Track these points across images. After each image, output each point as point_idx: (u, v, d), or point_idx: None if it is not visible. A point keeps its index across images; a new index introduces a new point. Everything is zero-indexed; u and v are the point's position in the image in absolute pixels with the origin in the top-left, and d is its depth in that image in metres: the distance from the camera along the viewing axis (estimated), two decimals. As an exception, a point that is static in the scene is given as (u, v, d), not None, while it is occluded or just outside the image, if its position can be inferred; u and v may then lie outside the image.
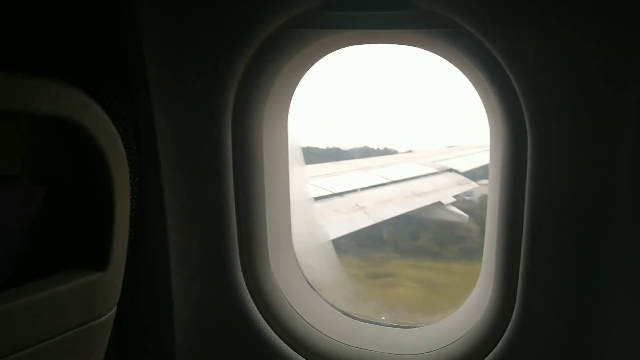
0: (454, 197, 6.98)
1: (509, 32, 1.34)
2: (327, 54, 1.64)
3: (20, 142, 1.16)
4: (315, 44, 1.54)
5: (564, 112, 1.36)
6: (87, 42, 1.35)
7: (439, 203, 6.65)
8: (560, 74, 1.34)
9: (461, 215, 6.61)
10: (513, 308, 1.52)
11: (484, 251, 1.72)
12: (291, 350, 1.69)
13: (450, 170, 7.71)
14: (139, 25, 1.39)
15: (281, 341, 1.69)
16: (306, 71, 1.68)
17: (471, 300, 1.77)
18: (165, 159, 1.55)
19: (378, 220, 5.99)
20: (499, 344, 1.55)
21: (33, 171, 1.19)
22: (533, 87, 1.35)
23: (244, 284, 1.67)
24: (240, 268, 1.66)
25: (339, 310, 1.87)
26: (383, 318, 1.90)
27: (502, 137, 1.47)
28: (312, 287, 1.88)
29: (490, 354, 1.57)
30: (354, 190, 6.27)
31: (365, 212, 5.94)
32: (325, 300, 1.87)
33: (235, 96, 1.52)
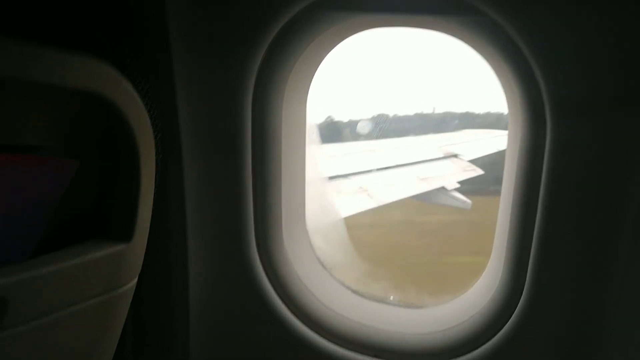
0: (458, 182, 7.00)
1: (531, 19, 1.34)
2: (349, 36, 1.65)
3: (54, 115, 1.19)
4: (339, 26, 1.55)
5: (585, 101, 1.37)
6: (116, 19, 1.37)
7: (443, 188, 6.67)
8: (584, 62, 1.35)
9: (464, 202, 6.64)
10: (522, 292, 1.56)
11: (496, 234, 1.75)
12: (301, 324, 1.73)
13: (456, 155, 7.71)
14: (165, 3, 1.41)
15: (292, 315, 1.73)
16: (328, 53, 1.69)
17: (480, 283, 1.81)
18: (185, 136, 1.57)
19: (381, 202, 6.02)
20: (505, 327, 1.59)
21: (65, 145, 1.22)
22: (555, 76, 1.36)
23: (258, 260, 1.71)
24: (255, 244, 1.70)
25: (348, 288, 1.91)
26: (391, 297, 1.94)
27: (521, 124, 1.49)
28: (323, 265, 1.92)
29: (495, 337, 1.61)
30: (359, 173, 6.29)
31: (369, 195, 5.96)
32: (335, 278, 1.91)
33: (257, 74, 1.54)
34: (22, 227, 1.15)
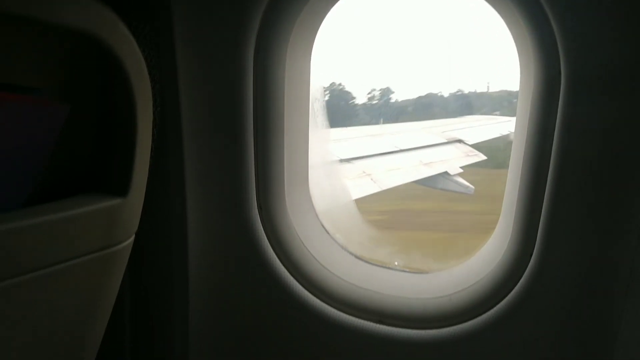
0: (461, 167, 6.98)
1: None
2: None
3: (46, 56, 1.14)
4: None
5: (602, 55, 1.32)
6: None
7: (446, 173, 6.66)
8: (602, 15, 1.30)
9: (467, 187, 6.62)
10: (531, 255, 1.52)
11: (505, 198, 1.70)
12: (303, 289, 1.70)
13: (459, 141, 7.69)
14: None
15: (293, 280, 1.70)
16: (331, 7, 1.64)
17: (487, 247, 1.77)
18: (185, 93, 1.53)
19: (384, 187, 6.01)
20: (513, 291, 1.55)
21: (57, 89, 1.18)
22: (571, 26, 1.31)
23: (260, 221, 1.67)
24: (256, 205, 1.66)
25: (352, 253, 1.87)
26: (396, 263, 1.90)
27: (534, 80, 1.44)
28: (326, 230, 1.88)
29: (503, 301, 1.57)
30: (362, 157, 6.28)
31: (372, 179, 5.94)
32: (338, 243, 1.87)
33: (259, 27, 1.50)
34: (12, 172, 1.11)
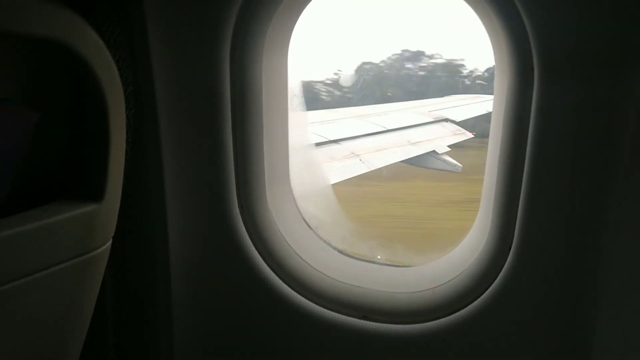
0: (449, 146, 7.00)
1: None
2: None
3: (13, 65, 1.12)
4: None
5: (574, 49, 1.32)
6: None
7: (434, 152, 6.67)
8: (575, 18, 1.29)
9: (454, 165, 6.65)
10: (510, 248, 1.52)
11: (483, 190, 1.71)
12: (286, 286, 1.70)
13: (446, 119, 7.69)
14: None
15: (276, 276, 1.69)
16: (307, 4, 1.61)
17: (467, 240, 1.77)
18: (161, 93, 1.51)
19: (373, 167, 6.02)
20: (494, 283, 1.56)
21: (26, 97, 1.16)
22: (543, 22, 1.30)
23: (240, 219, 1.66)
24: (237, 204, 1.65)
25: (334, 248, 1.87)
26: (379, 257, 1.90)
27: (508, 73, 1.43)
28: (308, 225, 1.87)
29: (485, 293, 1.58)
30: (350, 138, 6.27)
31: (360, 160, 5.95)
32: (320, 237, 1.87)
33: (234, 24, 1.47)
34: None
